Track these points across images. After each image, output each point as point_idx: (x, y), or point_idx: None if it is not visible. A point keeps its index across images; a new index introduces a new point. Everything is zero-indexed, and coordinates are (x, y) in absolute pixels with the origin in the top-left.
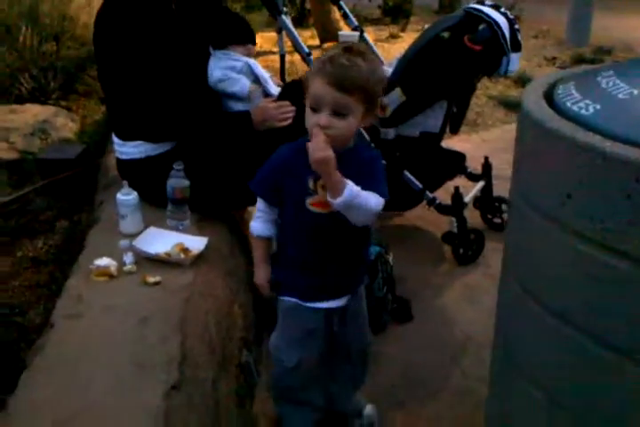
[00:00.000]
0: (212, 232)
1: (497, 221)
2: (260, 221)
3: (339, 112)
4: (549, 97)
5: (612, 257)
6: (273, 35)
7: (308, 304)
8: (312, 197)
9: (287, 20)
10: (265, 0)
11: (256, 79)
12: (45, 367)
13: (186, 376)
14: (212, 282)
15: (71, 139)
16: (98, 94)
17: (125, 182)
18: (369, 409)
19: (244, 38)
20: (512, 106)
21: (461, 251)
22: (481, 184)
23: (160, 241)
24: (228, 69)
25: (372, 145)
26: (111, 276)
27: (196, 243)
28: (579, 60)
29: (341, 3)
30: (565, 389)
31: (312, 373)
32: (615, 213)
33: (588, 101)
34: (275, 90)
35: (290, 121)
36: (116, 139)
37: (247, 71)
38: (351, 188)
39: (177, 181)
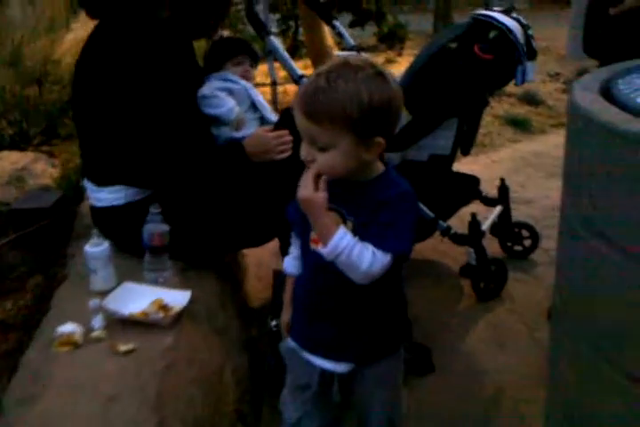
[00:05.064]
0: (199, 283)
1: (518, 248)
2: (290, 257)
3: (315, 144)
4: (607, 95)
5: None
6: (263, 68)
7: (305, 354)
8: (314, 232)
9: (276, 41)
10: (251, 19)
11: (252, 106)
12: None
13: None
14: (198, 345)
15: (50, 185)
16: None
17: (95, 231)
18: None
19: (239, 55)
20: (520, 124)
21: (482, 285)
22: (498, 209)
23: (135, 298)
24: (219, 89)
25: None
26: (76, 344)
27: (178, 298)
28: (583, 73)
29: (336, 23)
30: None
31: None
32: None
33: None
34: (274, 117)
35: (289, 152)
36: (89, 184)
37: (243, 96)
38: (339, 240)
39: (155, 226)
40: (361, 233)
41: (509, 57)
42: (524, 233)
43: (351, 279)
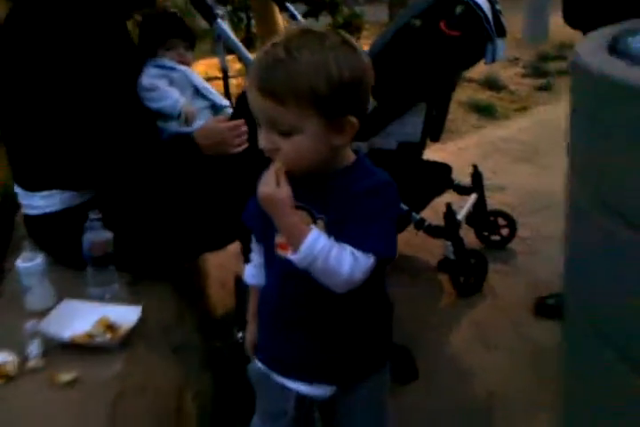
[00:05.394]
0: (151, 296)
1: (495, 238)
2: (251, 265)
3: (277, 129)
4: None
5: None
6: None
7: (276, 377)
8: (280, 236)
9: (225, 26)
10: (197, 3)
11: (197, 93)
12: None
13: None
14: (152, 369)
15: None
16: None
17: (27, 243)
18: None
19: (170, 39)
20: (484, 110)
21: (462, 279)
22: (474, 198)
23: (78, 318)
24: (158, 78)
25: None
26: (8, 377)
27: (127, 314)
28: (543, 57)
29: (288, 5)
30: None
31: None
32: None
33: None
34: (224, 101)
35: (246, 145)
36: (19, 190)
37: (184, 83)
38: (313, 243)
39: (95, 234)
40: (335, 233)
41: (478, 33)
42: (501, 221)
43: (328, 287)
